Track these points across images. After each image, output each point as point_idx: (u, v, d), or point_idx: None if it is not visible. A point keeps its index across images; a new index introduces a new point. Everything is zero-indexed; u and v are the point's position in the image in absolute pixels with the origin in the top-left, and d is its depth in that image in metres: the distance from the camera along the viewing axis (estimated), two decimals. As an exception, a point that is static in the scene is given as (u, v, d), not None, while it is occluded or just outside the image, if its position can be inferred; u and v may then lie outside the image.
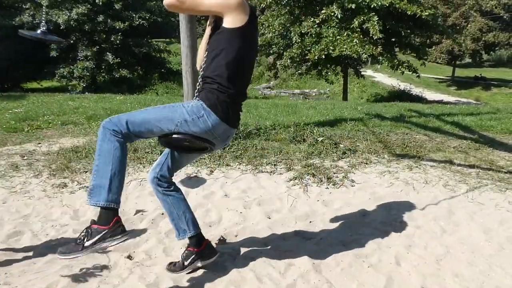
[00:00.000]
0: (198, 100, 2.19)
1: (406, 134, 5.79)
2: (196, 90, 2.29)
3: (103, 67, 20.39)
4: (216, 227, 3.14)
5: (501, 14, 37.63)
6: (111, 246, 2.15)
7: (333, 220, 3.26)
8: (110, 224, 2.06)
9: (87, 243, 2.03)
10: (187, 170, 4.16)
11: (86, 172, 4.14)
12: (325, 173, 4.15)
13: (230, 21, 2.14)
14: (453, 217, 3.34)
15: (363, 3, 11.31)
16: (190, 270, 2.48)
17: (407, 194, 3.80)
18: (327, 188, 3.90)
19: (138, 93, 17.07)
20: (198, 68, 2.39)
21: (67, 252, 2.04)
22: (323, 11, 11.84)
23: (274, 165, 4.42)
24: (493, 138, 5.84)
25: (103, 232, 2.04)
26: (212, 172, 4.24)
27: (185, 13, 2.43)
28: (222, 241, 2.92)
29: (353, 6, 11.37)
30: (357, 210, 3.46)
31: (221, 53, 2.18)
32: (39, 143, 5.17)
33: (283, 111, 7.84)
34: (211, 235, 2.98)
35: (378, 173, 4.28)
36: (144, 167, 4.31)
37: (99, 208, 2.07)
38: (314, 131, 5.63)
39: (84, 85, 19.64)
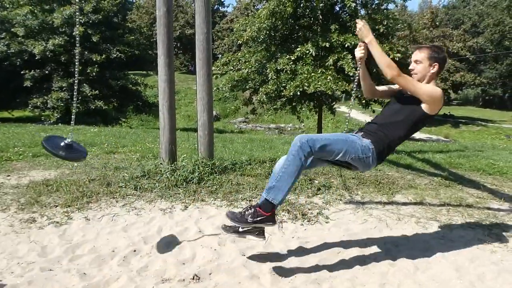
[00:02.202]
0: (370, 142, 2.87)
1: (379, 170, 5.90)
2: (367, 130, 3.01)
3: (78, 98, 20.20)
4: (190, 265, 3.08)
5: (467, 56, 39.56)
6: (265, 226, 2.83)
7: (308, 257, 3.25)
8: (269, 213, 2.76)
9: (250, 219, 2.74)
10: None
11: (56, 206, 4.03)
12: (300, 210, 4.17)
13: (428, 108, 2.89)
14: (425, 254, 3.39)
15: (337, 42, 11.67)
16: (249, 228, 2.83)
17: (381, 231, 3.84)
18: (302, 224, 3.90)
19: (112, 125, 16.90)
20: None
21: (233, 219, 2.75)
22: (298, 49, 12.15)
23: (250, 200, 4.42)
24: (462, 175, 6.00)
25: (263, 217, 2.75)
26: (187, 207, 4.20)
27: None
28: (195, 279, 2.86)
29: (327, 45, 11.73)
30: (332, 247, 3.46)
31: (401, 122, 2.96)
32: (8, 176, 5.02)
33: (259, 146, 7.89)
34: (185, 273, 2.92)
35: (352, 209, 4.32)
36: (117, 201, 4.23)
37: (266, 200, 2.74)
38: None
39: (58, 116, 19.30)
